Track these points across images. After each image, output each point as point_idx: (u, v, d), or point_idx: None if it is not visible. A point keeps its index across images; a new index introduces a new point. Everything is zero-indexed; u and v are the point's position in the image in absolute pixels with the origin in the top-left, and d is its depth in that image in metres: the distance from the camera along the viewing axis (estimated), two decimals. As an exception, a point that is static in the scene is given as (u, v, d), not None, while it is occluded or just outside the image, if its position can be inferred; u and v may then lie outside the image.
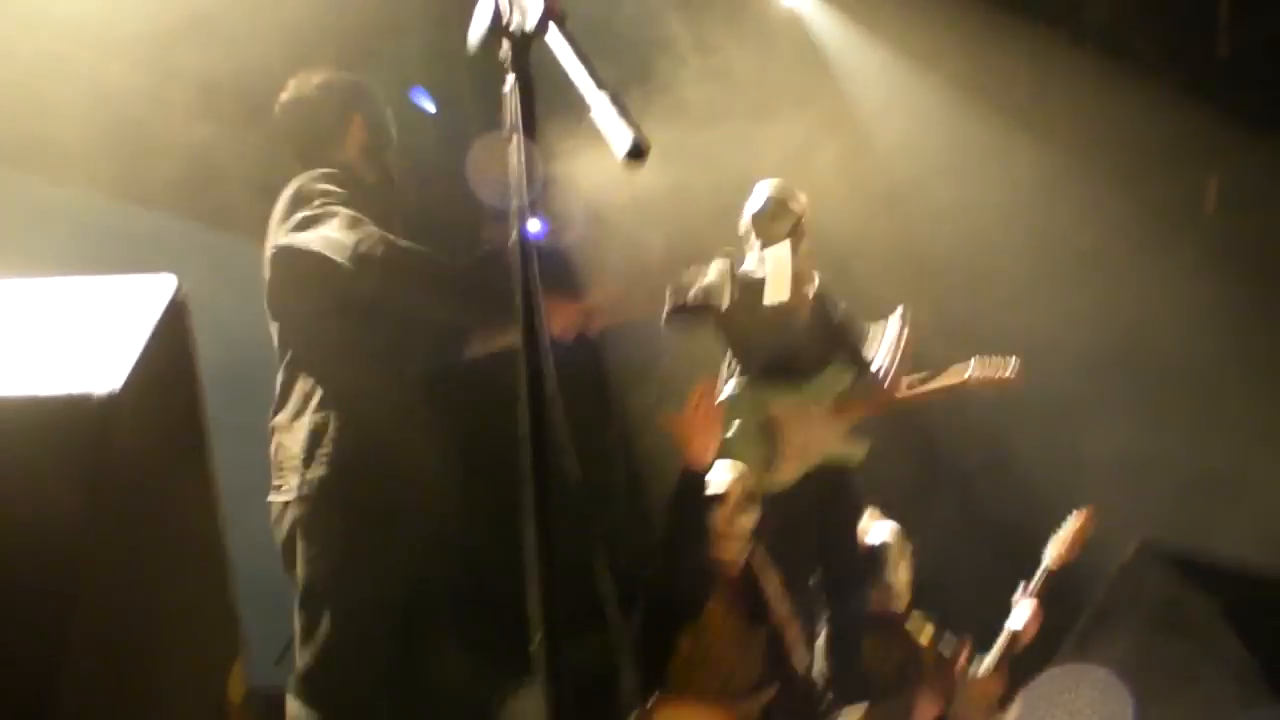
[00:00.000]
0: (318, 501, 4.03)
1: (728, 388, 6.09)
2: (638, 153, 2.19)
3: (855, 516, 6.15)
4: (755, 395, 6.00)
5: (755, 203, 6.24)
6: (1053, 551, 6.19)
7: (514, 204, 2.40)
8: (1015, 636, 6.02)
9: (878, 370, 6.10)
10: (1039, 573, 6.18)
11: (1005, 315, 7.46)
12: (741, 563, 5.25)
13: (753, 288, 6.10)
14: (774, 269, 5.90)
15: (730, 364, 6.19)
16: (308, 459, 4.05)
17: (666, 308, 5.99)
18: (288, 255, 4.09)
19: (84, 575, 1.67)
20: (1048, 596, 6.11)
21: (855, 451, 6.05)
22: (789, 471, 5.87)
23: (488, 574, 4.27)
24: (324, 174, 4.24)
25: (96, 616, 1.71)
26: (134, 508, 1.85)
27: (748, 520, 5.24)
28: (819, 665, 5.73)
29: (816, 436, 5.95)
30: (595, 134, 2.30)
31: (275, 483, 4.13)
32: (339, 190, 4.17)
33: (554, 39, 2.44)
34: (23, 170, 6.65)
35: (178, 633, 2.09)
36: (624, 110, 2.26)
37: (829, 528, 5.90)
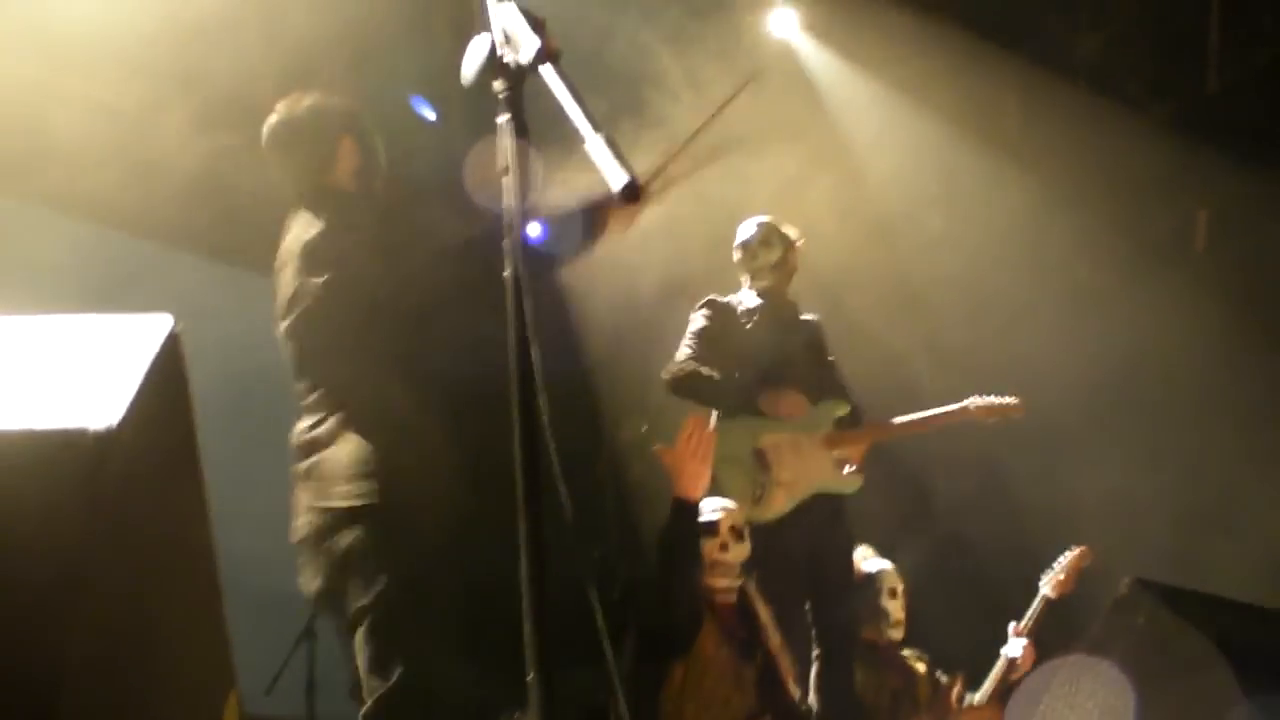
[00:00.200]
0: (383, 512, 4.04)
1: (721, 420, 6.10)
2: (632, 193, 2.22)
3: (848, 548, 6.14)
4: (745, 427, 6.00)
5: (743, 234, 6.27)
6: (1049, 583, 6.20)
7: (506, 240, 2.42)
8: (1011, 664, 6.03)
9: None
10: (1034, 605, 6.19)
11: (997, 347, 7.48)
12: (734, 594, 5.25)
13: (741, 321, 6.13)
14: None
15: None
16: (353, 477, 4.07)
17: (670, 378, 6.03)
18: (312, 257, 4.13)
19: (80, 607, 1.68)
20: (1041, 631, 6.12)
21: (848, 484, 6.05)
22: (778, 503, 5.87)
23: (494, 593, 4.29)
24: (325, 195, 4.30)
25: (93, 647, 1.72)
26: (130, 540, 1.86)
27: (739, 552, 5.25)
28: (812, 696, 5.72)
29: (807, 469, 5.95)
30: (589, 165, 2.33)
31: (324, 495, 4.12)
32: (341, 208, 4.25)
33: (549, 76, 2.46)
34: (19, 199, 6.66)
35: (173, 664, 2.10)
36: (618, 151, 2.29)
37: (821, 559, 5.89)
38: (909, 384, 6.67)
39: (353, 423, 4.14)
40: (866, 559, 6.31)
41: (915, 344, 6.44)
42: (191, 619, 2.19)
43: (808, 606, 5.87)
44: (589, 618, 2.63)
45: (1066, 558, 6.25)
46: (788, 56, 7.96)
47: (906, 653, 6.29)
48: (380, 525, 4.02)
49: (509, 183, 2.46)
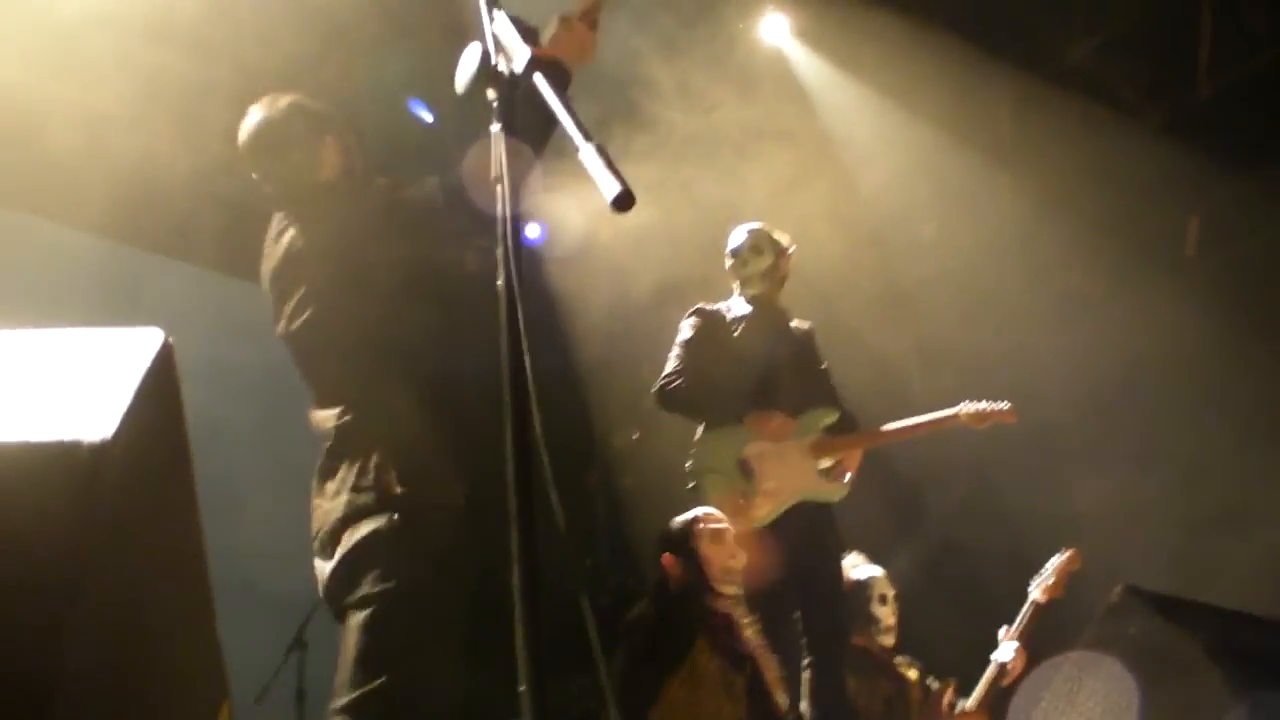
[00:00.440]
0: (404, 506, 4.05)
1: (706, 431, 6.11)
2: (623, 202, 2.23)
3: (836, 554, 6.14)
4: (731, 436, 6.01)
5: (734, 241, 6.28)
6: (1038, 587, 6.20)
7: (499, 248, 2.42)
8: (1002, 669, 6.03)
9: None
10: (1024, 610, 6.20)
11: (989, 352, 7.49)
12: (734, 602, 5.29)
13: (731, 329, 6.13)
14: None
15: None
16: (361, 484, 4.08)
17: (659, 393, 6.05)
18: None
19: (75, 618, 1.68)
20: (1034, 636, 6.12)
21: (833, 492, 6.05)
22: (762, 511, 5.87)
23: (489, 601, 4.29)
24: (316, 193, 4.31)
25: (87, 658, 1.72)
26: (123, 552, 1.86)
27: (743, 559, 5.30)
28: (804, 705, 5.72)
29: (791, 477, 5.95)
30: (581, 172, 2.34)
31: (347, 489, 4.12)
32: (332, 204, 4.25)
33: (540, 85, 2.47)
34: (15, 213, 6.67)
35: (167, 676, 2.10)
36: (609, 161, 2.29)
37: (809, 566, 5.89)
38: (900, 389, 6.68)
39: (366, 419, 4.15)
40: (857, 566, 6.32)
41: (907, 349, 6.45)
42: (185, 630, 2.19)
43: (797, 615, 5.88)
44: (580, 627, 2.64)
45: (1055, 562, 6.25)
46: (779, 62, 7.97)
47: (898, 659, 6.30)
48: (404, 520, 4.03)
49: (501, 191, 2.46)
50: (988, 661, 6.12)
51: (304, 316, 4.21)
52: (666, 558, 5.27)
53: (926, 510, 7.99)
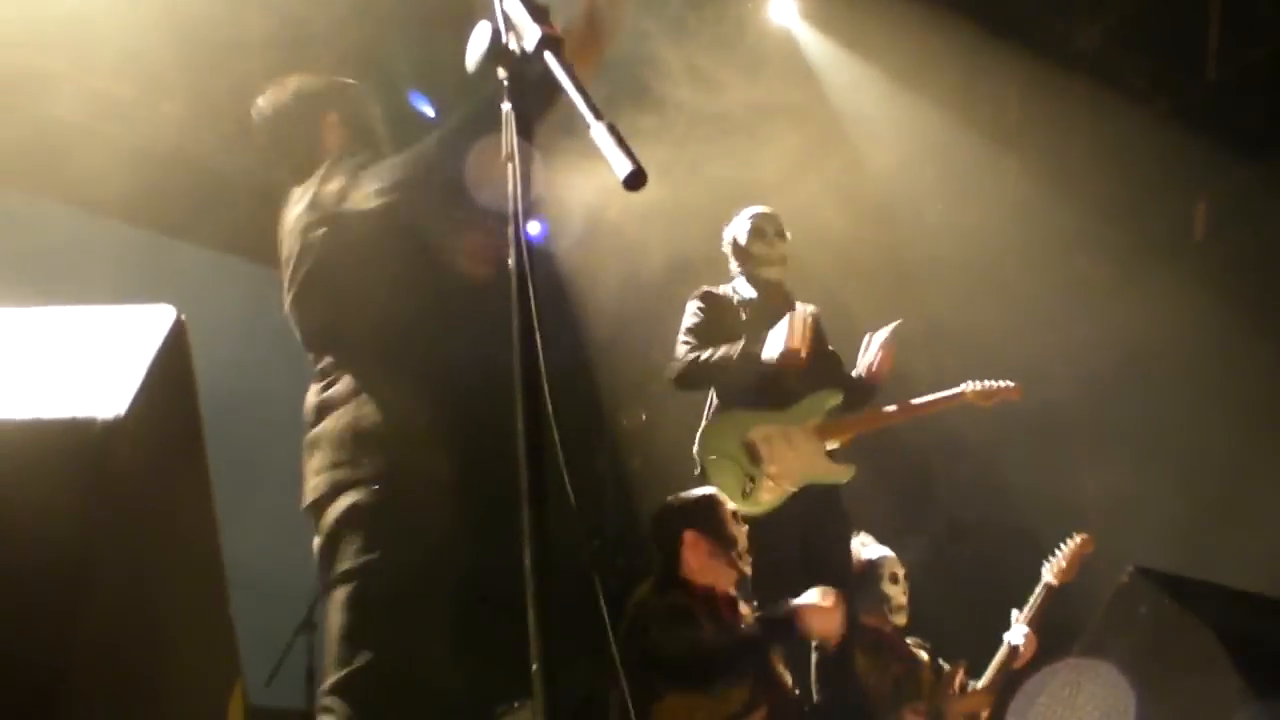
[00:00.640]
0: (358, 501, 4.07)
1: (711, 416, 6.11)
2: (635, 180, 2.22)
3: (843, 537, 6.13)
4: (736, 420, 6.00)
5: (737, 225, 6.27)
6: (1051, 570, 6.20)
7: (510, 228, 2.42)
8: (1014, 652, 6.02)
9: (865, 368, 6.15)
10: (1036, 592, 6.19)
11: (994, 334, 7.48)
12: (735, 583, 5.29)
13: (738, 313, 6.12)
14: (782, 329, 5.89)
15: (714, 392, 6.20)
16: (338, 460, 4.11)
17: (675, 375, 6.03)
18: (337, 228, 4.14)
19: (86, 595, 1.68)
20: (1044, 619, 6.12)
21: (839, 474, 6.04)
22: (768, 496, 5.86)
23: (491, 582, 4.30)
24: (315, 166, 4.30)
25: (99, 635, 1.72)
26: (136, 530, 1.86)
27: (744, 536, 5.30)
28: (813, 687, 5.72)
29: (798, 460, 5.94)
30: (592, 152, 2.33)
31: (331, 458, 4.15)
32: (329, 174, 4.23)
33: (551, 63, 2.46)
34: (28, 194, 6.67)
35: (178, 654, 2.10)
36: (620, 139, 2.29)
37: (816, 549, 5.88)
38: (906, 370, 6.66)
39: (362, 388, 4.17)
40: (866, 546, 6.31)
41: (912, 330, 6.42)
42: (197, 608, 2.19)
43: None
44: (586, 608, 2.64)
45: (1069, 545, 6.23)
46: (787, 44, 7.95)
47: (910, 640, 6.29)
48: (384, 493, 4.05)
49: (511, 171, 2.46)
50: (998, 644, 6.12)
51: (293, 291, 4.24)
52: (689, 535, 5.21)
53: (933, 494, 7.99)
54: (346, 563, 4.03)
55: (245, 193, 6.81)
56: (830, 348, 6.32)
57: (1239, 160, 7.84)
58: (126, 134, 6.71)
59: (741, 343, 5.94)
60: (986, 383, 6.20)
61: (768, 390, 6.02)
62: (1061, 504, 7.17)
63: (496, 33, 2.55)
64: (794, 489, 5.86)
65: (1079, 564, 6.19)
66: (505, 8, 2.57)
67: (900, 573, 6.23)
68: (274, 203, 4.41)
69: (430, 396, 4.17)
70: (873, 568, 6.21)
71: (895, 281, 7.72)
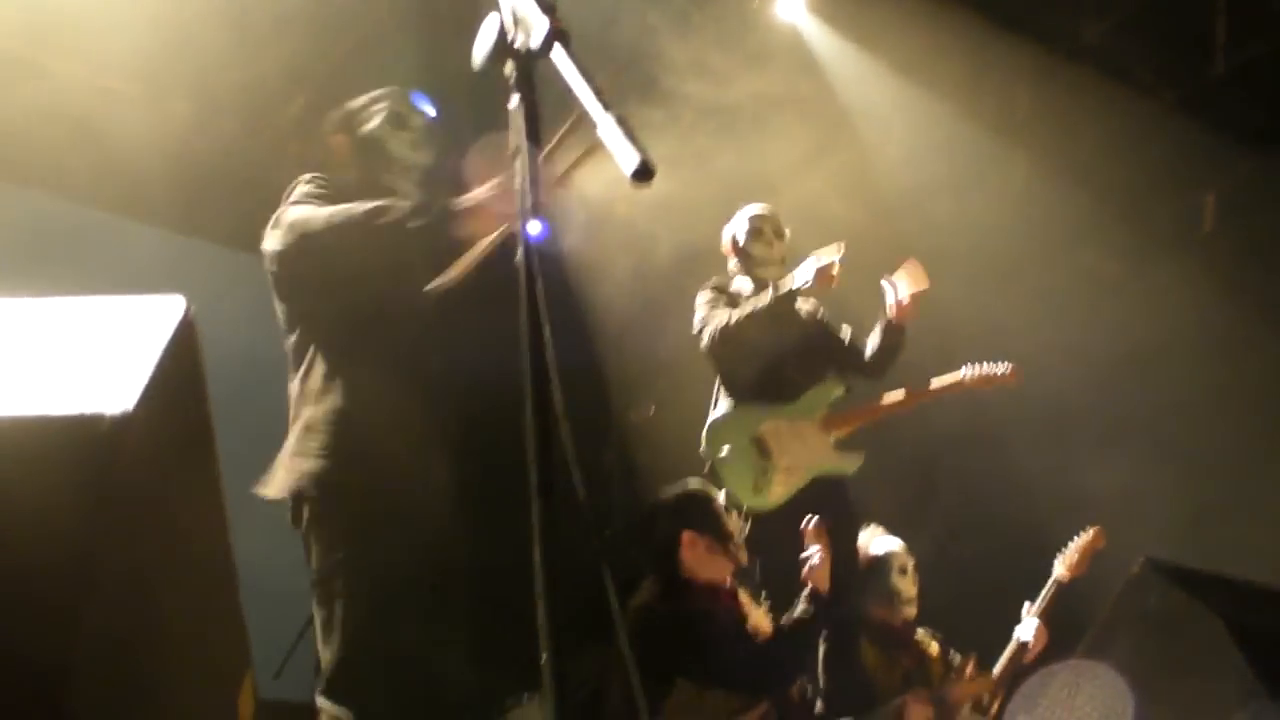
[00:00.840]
0: (321, 492, 4.09)
1: (717, 411, 6.11)
2: (644, 173, 2.22)
3: (851, 529, 6.13)
4: (744, 416, 6.00)
5: (749, 224, 6.27)
6: (1062, 564, 6.19)
7: (519, 222, 2.41)
8: (1024, 646, 6.02)
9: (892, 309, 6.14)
10: (1047, 587, 6.19)
11: (1003, 328, 7.46)
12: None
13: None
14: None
15: (720, 387, 6.20)
16: (304, 450, 4.14)
17: (718, 335, 6.02)
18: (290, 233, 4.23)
19: (94, 590, 1.68)
20: (1053, 614, 6.11)
21: (847, 465, 6.05)
22: (779, 491, 5.86)
23: (494, 578, 4.30)
24: (313, 177, 4.43)
25: (106, 629, 1.72)
26: (144, 525, 1.86)
27: (736, 525, 5.32)
28: (820, 679, 5.72)
29: (806, 453, 5.95)
30: (598, 146, 2.33)
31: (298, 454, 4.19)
32: (319, 190, 4.36)
33: (559, 58, 2.46)
34: (36, 190, 6.67)
35: (188, 650, 2.10)
36: (629, 132, 2.28)
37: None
38: (913, 363, 6.65)
39: (334, 384, 4.22)
40: (875, 538, 6.30)
41: (920, 327, 6.41)
42: (206, 601, 2.19)
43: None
44: (593, 602, 2.63)
45: (1080, 539, 6.23)
46: (794, 37, 7.94)
47: (920, 633, 6.29)
48: (342, 492, 4.08)
49: (520, 165, 2.45)
50: (1008, 638, 6.11)
51: (287, 288, 4.29)
52: (686, 536, 5.21)
53: (942, 487, 7.98)
54: (314, 562, 4.08)
55: (252, 189, 6.83)
56: (842, 335, 6.30)
57: (1246, 153, 7.83)
58: (134, 130, 6.71)
59: (768, 291, 5.94)
60: (985, 367, 6.20)
61: (773, 383, 6.02)
62: (1071, 497, 7.15)
63: (503, 28, 2.54)
64: (805, 482, 5.87)
65: (1090, 558, 6.18)
66: (512, 3, 2.57)
67: (910, 565, 6.21)
68: (276, 199, 4.46)
69: (409, 389, 4.21)
70: (881, 561, 6.20)
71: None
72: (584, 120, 2.40)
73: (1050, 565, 6.26)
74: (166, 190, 6.79)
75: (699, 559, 5.18)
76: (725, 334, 6.00)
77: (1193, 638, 3.15)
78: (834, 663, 5.72)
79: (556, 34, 2.47)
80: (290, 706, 4.12)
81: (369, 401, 4.18)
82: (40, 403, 1.76)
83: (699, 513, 5.26)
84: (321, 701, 4.01)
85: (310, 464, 4.15)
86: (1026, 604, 6.18)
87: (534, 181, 2.45)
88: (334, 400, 4.20)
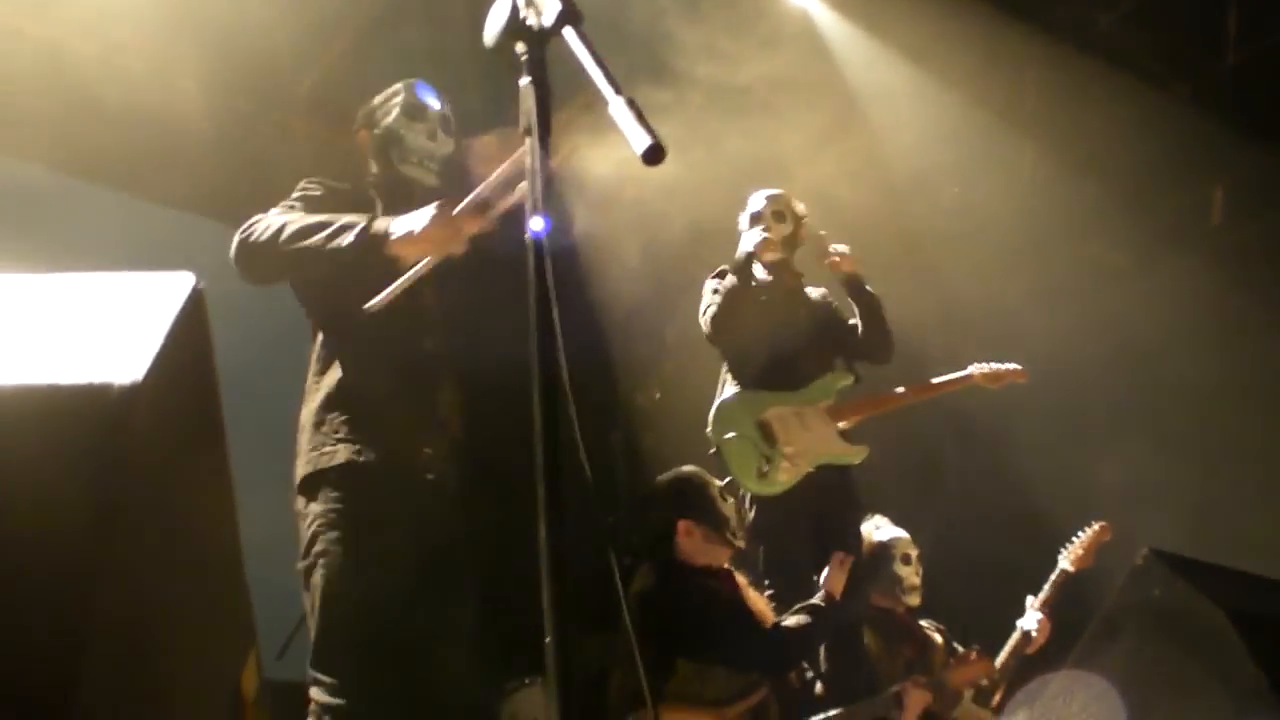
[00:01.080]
0: (316, 474, 4.16)
1: (724, 394, 6.11)
2: (655, 155, 2.22)
3: (855, 517, 6.15)
4: (750, 401, 6.01)
5: (754, 207, 6.27)
6: (1068, 557, 6.19)
7: (529, 201, 2.41)
8: (1027, 637, 6.02)
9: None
10: (1052, 578, 6.18)
11: (1010, 318, 7.47)
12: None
13: (755, 293, 6.12)
14: None
15: (727, 372, 6.20)
16: (311, 443, 4.18)
17: (709, 327, 6.05)
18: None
19: (103, 561, 1.68)
20: (1057, 606, 6.11)
21: (853, 454, 6.05)
22: (784, 476, 5.86)
23: (493, 569, 4.30)
24: (305, 183, 4.49)
25: (115, 602, 1.72)
26: (151, 498, 1.86)
27: (732, 511, 5.34)
28: (822, 667, 5.73)
29: (812, 440, 5.95)
30: (608, 128, 2.33)
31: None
32: (299, 195, 4.42)
33: (570, 38, 2.46)
34: (44, 168, 6.68)
35: (193, 625, 2.10)
36: (640, 114, 2.29)
37: (828, 530, 5.88)
38: (919, 353, 6.66)
39: (330, 366, 4.26)
40: (879, 528, 6.30)
41: (926, 313, 6.43)
42: (212, 576, 2.19)
43: (816, 578, 5.88)
44: (595, 586, 2.63)
45: (1087, 532, 6.23)
46: (806, 22, 7.92)
47: (924, 623, 6.29)
48: (336, 474, 4.13)
49: (531, 144, 2.45)
50: (1006, 632, 6.11)
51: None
52: (683, 525, 5.22)
53: (947, 478, 7.98)
54: (304, 547, 4.12)
55: (260, 168, 6.83)
56: (851, 320, 6.29)
57: (1257, 145, 7.82)
58: (142, 109, 6.71)
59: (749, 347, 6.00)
60: (994, 365, 6.24)
61: (780, 370, 6.03)
62: (1076, 489, 7.15)
63: (515, 7, 2.54)
64: (810, 469, 5.87)
65: (1096, 551, 6.18)
66: (524, -19, 2.56)
67: (913, 554, 6.22)
68: (287, 179, 4.48)
69: (401, 369, 4.23)
70: (885, 549, 6.20)
71: (911, 262, 7.70)
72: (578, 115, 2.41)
73: (1055, 557, 6.26)
74: (174, 168, 6.79)
75: (696, 546, 5.20)
76: (713, 322, 6.03)
77: (1196, 629, 3.14)
78: (835, 649, 5.72)
79: (568, 14, 2.47)
80: (292, 686, 4.12)
81: (358, 383, 4.23)
82: (49, 373, 1.76)
83: (695, 500, 5.28)
84: (311, 673, 4.06)
85: (307, 443, 4.21)
86: (1030, 597, 6.18)
87: (544, 162, 2.44)
88: (329, 383, 4.26)
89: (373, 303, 3.90)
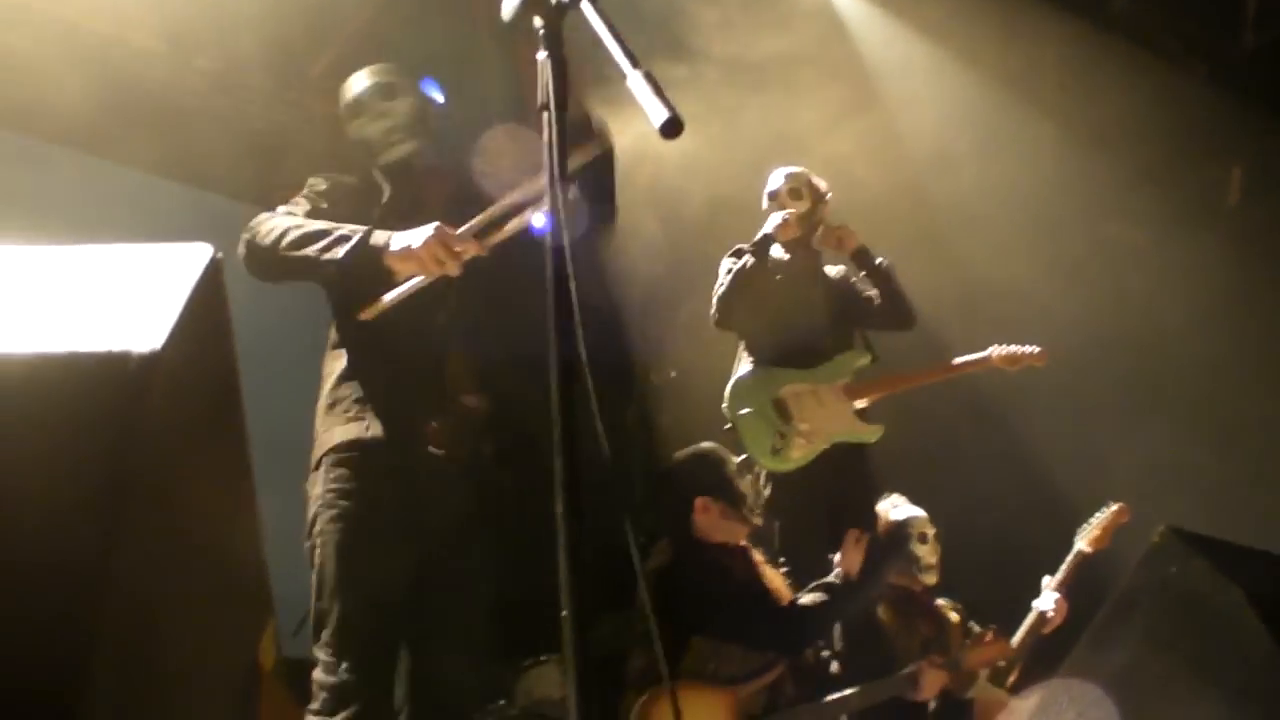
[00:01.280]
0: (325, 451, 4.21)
1: (740, 370, 6.11)
2: (672, 128, 2.22)
3: (870, 496, 6.14)
4: (766, 378, 6.01)
5: (773, 184, 6.26)
6: (1085, 537, 6.18)
7: (547, 176, 2.41)
8: (1042, 617, 6.01)
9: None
10: (1068, 559, 6.18)
11: (1027, 298, 7.44)
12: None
13: (771, 272, 6.11)
14: None
15: (744, 349, 6.20)
16: (323, 425, 4.21)
17: (716, 313, 6.06)
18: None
19: (121, 528, 1.69)
20: (1073, 587, 6.10)
21: (868, 433, 6.05)
22: (799, 453, 5.87)
23: (509, 544, 4.31)
24: (312, 182, 4.49)
25: (133, 567, 1.73)
26: (170, 464, 1.87)
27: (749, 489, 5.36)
28: (838, 646, 5.73)
29: (827, 418, 5.95)
30: (626, 102, 2.33)
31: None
32: (305, 195, 4.43)
33: (588, 12, 2.45)
34: (59, 146, 6.70)
35: (212, 589, 2.11)
36: (658, 88, 2.29)
37: (843, 509, 5.88)
38: (935, 332, 6.65)
39: (340, 346, 4.31)
40: (897, 506, 6.29)
41: (943, 292, 6.42)
42: (231, 547, 2.20)
43: (833, 557, 5.88)
44: (610, 566, 2.64)
45: (1104, 514, 6.22)
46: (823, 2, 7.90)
47: (941, 602, 6.28)
48: (344, 450, 4.15)
49: (547, 120, 2.45)
50: (1022, 613, 6.10)
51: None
52: (700, 501, 5.23)
53: (963, 457, 7.96)
54: (309, 522, 4.15)
55: (276, 146, 6.84)
56: (868, 294, 6.28)
57: (1275, 125, 7.78)
58: (159, 87, 6.73)
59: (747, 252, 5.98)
60: (1013, 347, 6.23)
61: (797, 348, 6.02)
62: (1093, 469, 7.13)
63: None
64: (824, 446, 5.87)
65: (1113, 533, 6.17)
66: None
67: (930, 532, 6.20)
68: (299, 157, 4.50)
69: (411, 347, 4.24)
70: (902, 527, 6.19)
71: (928, 241, 7.66)
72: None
73: (1071, 538, 6.25)
74: (190, 146, 6.80)
75: (713, 523, 5.21)
76: (719, 307, 6.04)
77: (1213, 608, 3.13)
78: (851, 627, 5.72)
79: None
80: (310, 664, 4.13)
81: (368, 362, 4.25)
82: (69, 340, 1.77)
83: (713, 477, 5.28)
84: (316, 650, 4.08)
85: (320, 425, 4.23)
86: (1046, 577, 6.17)
87: (563, 138, 2.44)
88: (341, 364, 4.29)
89: (365, 314, 3.92)
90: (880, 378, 6.19)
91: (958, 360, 6.29)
